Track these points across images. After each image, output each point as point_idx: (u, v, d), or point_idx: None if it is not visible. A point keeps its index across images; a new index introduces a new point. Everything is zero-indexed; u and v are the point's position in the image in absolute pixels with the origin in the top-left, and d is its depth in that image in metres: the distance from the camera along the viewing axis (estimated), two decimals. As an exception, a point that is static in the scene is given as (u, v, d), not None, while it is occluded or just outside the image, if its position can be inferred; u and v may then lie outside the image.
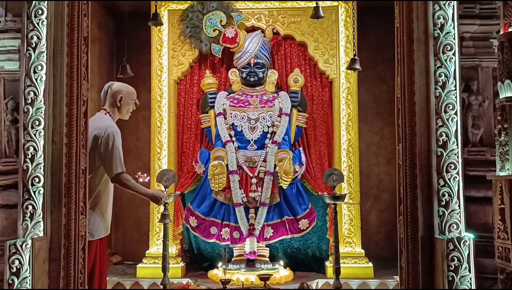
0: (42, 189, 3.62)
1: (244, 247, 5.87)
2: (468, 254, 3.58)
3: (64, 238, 3.66)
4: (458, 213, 3.67)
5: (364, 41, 6.48)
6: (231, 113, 6.11)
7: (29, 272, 3.52)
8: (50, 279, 3.65)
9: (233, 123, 6.09)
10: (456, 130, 3.70)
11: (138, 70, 6.55)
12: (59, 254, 3.65)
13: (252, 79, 6.16)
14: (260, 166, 5.97)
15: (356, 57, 5.36)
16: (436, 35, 3.72)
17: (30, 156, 3.63)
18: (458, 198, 3.67)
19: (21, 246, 3.52)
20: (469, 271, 3.56)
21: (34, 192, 3.61)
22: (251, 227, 5.83)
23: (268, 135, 6.05)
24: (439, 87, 3.69)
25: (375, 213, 7.04)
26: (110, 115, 4.26)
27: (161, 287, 5.16)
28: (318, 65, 6.31)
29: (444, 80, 3.70)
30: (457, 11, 3.77)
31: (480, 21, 5.30)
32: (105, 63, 6.97)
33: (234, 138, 6.05)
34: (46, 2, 3.73)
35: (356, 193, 6.15)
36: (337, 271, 5.07)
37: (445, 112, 3.69)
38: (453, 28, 3.73)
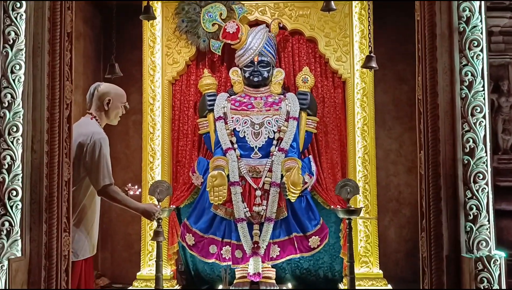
0: (20, 203, 3.62)
1: (247, 267, 5.86)
2: (499, 275, 3.56)
3: (45, 258, 3.66)
4: (487, 229, 3.65)
5: (381, 36, 6.48)
6: (232, 117, 6.11)
7: (6, 297, 3.51)
8: (29, 305, 3.64)
9: (234, 129, 6.09)
10: (485, 135, 3.69)
11: (128, 70, 6.56)
12: (39, 276, 3.64)
13: (255, 79, 6.17)
14: (265, 177, 5.96)
15: (372, 54, 5.36)
16: (462, 29, 3.72)
17: (6, 166, 3.63)
18: (488, 211, 3.65)
19: (-4, 267, 3.52)
20: (501, 294, 3.55)
21: (11, 207, 3.60)
22: (255, 245, 5.82)
23: (274, 142, 6.05)
24: (465, 88, 3.69)
25: (394, 229, 7.02)
26: (96, 120, 4.27)
27: (154, 313, 5.16)
28: (329, 63, 6.31)
29: (470, 80, 3.69)
30: (484, 2, 3.77)
31: (511, 13, 5.30)
32: (91, 61, 6.98)
33: (235, 145, 6.05)
34: (25, -6, 3.75)
35: (373, 206, 6.14)
36: (351, 294, 5.06)
37: (472, 115, 3.68)
38: (481, 21, 3.73)
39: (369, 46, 5.52)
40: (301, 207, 5.97)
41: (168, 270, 6.15)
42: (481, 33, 3.72)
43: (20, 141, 3.63)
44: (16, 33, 3.68)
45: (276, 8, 6.38)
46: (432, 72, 3.78)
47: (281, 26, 6.35)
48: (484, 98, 3.70)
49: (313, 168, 6.08)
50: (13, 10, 3.69)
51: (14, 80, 3.64)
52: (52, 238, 3.66)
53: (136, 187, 4.69)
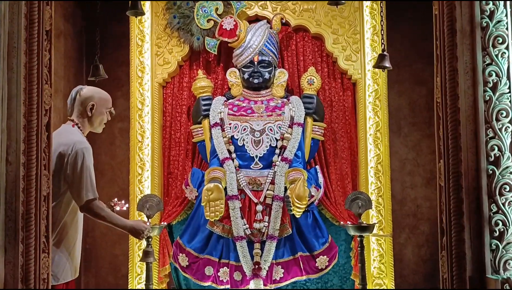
0: (-6, 221, 3.62)
1: (247, 291, 5.86)
2: (529, 298, 3.56)
3: (22, 282, 3.65)
4: (515, 247, 3.65)
5: (395, 32, 6.49)
6: (230, 124, 6.12)
7: (-22, 325, 3.51)
8: (4, 334, 3.63)
9: (232, 136, 6.10)
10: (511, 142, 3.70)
11: (114, 71, 6.57)
12: (15, 302, 3.64)
13: (256, 80, 6.18)
14: (267, 190, 5.97)
15: (385, 53, 5.36)
16: (485, 24, 3.72)
17: (-21, 180, 3.63)
18: (515, 228, 3.66)
19: (-33, 292, 3.51)
20: (531, 319, 3.54)
21: (-16, 225, 3.61)
22: (256, 266, 5.82)
23: (277, 151, 6.05)
24: (489, 89, 3.69)
25: (411, 248, 7.02)
26: (78, 127, 4.27)
27: None
28: (338, 62, 6.32)
29: (495, 81, 3.69)
30: (510, -6, 3.78)
31: (540, 6, 5.30)
32: (73, 63, 6.99)
33: (234, 155, 6.06)
34: (-2, -12, 3.75)
35: (387, 222, 6.14)
36: (364, 321, 5.06)
37: (497, 120, 3.68)
38: (506, 16, 3.73)
39: (382, 43, 5.52)
40: (307, 224, 5.96)
41: (159, 295, 6.15)
42: (507, 28, 3.72)
43: (-6, 151, 3.63)
44: (-12, 32, 3.68)
45: (278, 2, 6.39)
46: (452, 73, 3.78)
47: (283, 22, 6.36)
48: (510, 101, 3.69)
49: (320, 179, 6.08)
50: (-15, 6, 3.69)
51: (-14, 84, 3.64)
52: (29, 260, 3.65)
53: (123, 202, 4.70)
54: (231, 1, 6.26)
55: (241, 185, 5.98)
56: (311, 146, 6.20)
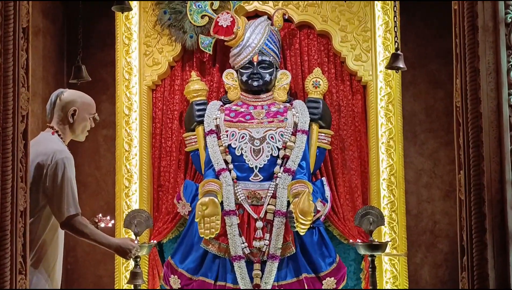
0: (-35, 239, 3.62)
1: (246, 317, 5.85)
2: (559, 324, 3.56)
3: (-4, 307, 3.65)
4: (543, 267, 3.65)
5: (410, 29, 6.50)
6: (226, 131, 6.12)
7: None
8: None
9: (229, 145, 6.10)
10: (539, 151, 3.70)
11: (98, 73, 6.57)
12: (-12, 329, 3.63)
13: (255, 83, 6.18)
14: (268, 204, 5.96)
15: (399, 52, 5.37)
16: (509, 20, 3.73)
17: (-52, 193, 3.63)
18: (543, 245, 3.65)
19: None
20: None
21: (-46, 244, 3.61)
22: (256, 289, 5.81)
23: (279, 161, 6.05)
24: (514, 93, 3.70)
25: (428, 268, 7.01)
26: (59, 135, 4.27)
27: None
28: (346, 63, 6.33)
29: (521, 83, 3.70)
30: (537, -13, 3.78)
31: None
32: (52, 63, 7.00)
33: (231, 166, 6.05)
34: (-30, -19, 3.76)
35: (401, 240, 6.13)
36: None
37: (524, 126, 3.69)
38: (533, 10, 3.74)
39: (396, 41, 5.52)
40: (312, 242, 5.96)
41: (148, 321, 6.14)
42: (533, 25, 3.73)
43: (-35, 162, 3.63)
44: (-41, 30, 3.69)
45: (280, -4, 6.41)
46: (473, 74, 3.78)
47: (286, 18, 6.36)
48: (537, 106, 3.70)
49: (327, 193, 6.07)
50: (-45, 1, 3.70)
51: (-43, 87, 3.64)
52: (4, 282, 3.65)
53: (108, 218, 4.69)
54: (227, -5, 6.29)
55: (239, 199, 5.97)
56: (317, 155, 6.20)
